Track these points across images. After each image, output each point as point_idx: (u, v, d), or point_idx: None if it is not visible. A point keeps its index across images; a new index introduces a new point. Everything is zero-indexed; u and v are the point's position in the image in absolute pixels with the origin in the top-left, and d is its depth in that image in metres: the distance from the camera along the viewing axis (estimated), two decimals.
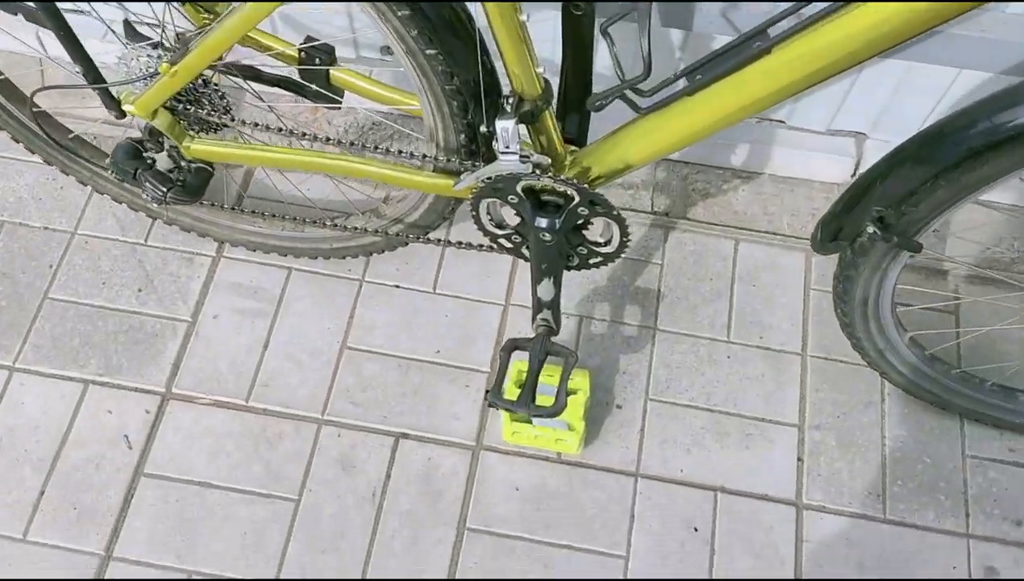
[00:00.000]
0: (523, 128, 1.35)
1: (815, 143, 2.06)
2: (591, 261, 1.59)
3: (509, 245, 1.60)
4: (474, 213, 1.52)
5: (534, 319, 1.68)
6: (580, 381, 1.76)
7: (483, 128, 1.37)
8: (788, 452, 1.82)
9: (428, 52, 1.29)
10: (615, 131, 1.42)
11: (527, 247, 1.57)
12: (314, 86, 1.57)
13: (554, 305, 1.64)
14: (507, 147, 1.35)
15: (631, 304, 1.96)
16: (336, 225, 1.74)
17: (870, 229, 1.32)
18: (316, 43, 1.54)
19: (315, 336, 1.89)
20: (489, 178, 1.42)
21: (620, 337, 1.92)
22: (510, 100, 1.34)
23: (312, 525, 1.71)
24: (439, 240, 1.72)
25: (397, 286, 1.96)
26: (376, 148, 1.46)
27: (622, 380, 1.88)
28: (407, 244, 1.79)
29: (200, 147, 1.48)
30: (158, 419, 1.79)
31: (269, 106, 1.76)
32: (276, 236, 1.88)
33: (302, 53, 1.53)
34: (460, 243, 1.70)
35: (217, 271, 1.95)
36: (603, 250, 1.55)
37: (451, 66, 1.31)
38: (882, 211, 1.29)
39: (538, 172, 1.38)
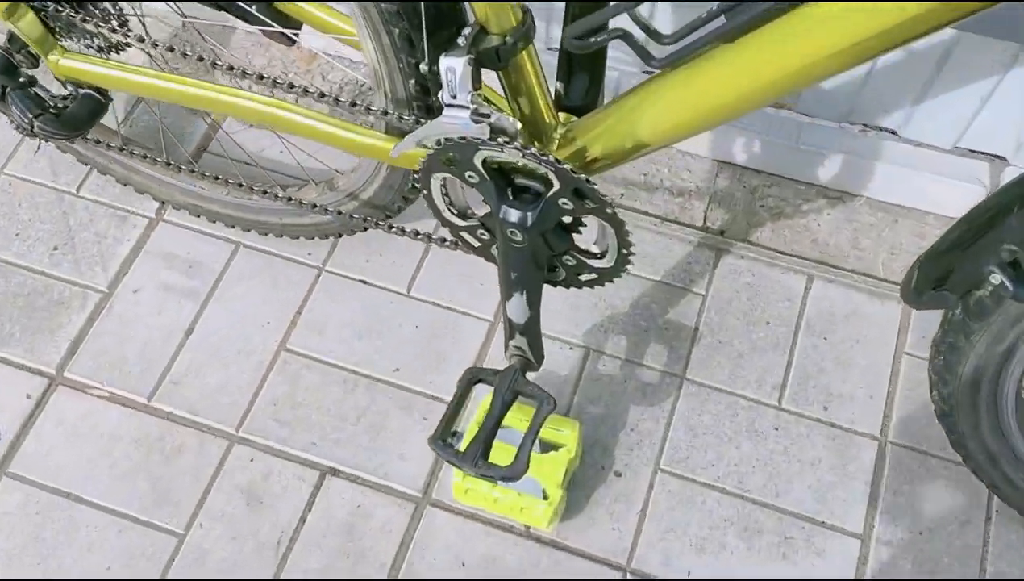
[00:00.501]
0: (491, 83, 0.92)
1: (935, 164, 1.56)
2: (581, 277, 1.15)
3: (475, 242, 1.17)
4: (424, 193, 1.11)
5: (506, 346, 1.25)
6: (567, 434, 1.32)
7: (423, 66, 0.95)
8: (843, 570, 1.33)
9: None
10: (622, 96, 0.98)
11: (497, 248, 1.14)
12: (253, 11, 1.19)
13: (530, 330, 1.20)
14: (453, 97, 0.92)
15: (656, 341, 1.50)
16: (283, 196, 1.36)
17: (995, 278, 0.84)
18: None
19: (250, 330, 1.51)
20: (437, 144, 1.00)
21: (635, 382, 1.47)
22: (467, 31, 0.92)
23: (192, 570, 1.32)
24: (418, 233, 1.30)
25: (363, 281, 1.56)
26: (316, 93, 1.06)
27: (628, 439, 1.42)
28: (365, 229, 1.39)
29: (69, 64, 1.12)
30: (39, 407, 1.44)
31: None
32: (220, 201, 1.51)
33: None
34: (443, 241, 1.28)
35: (151, 236, 1.59)
36: (596, 264, 1.10)
37: None
38: (1016, 252, 0.80)
39: (500, 140, 0.95)
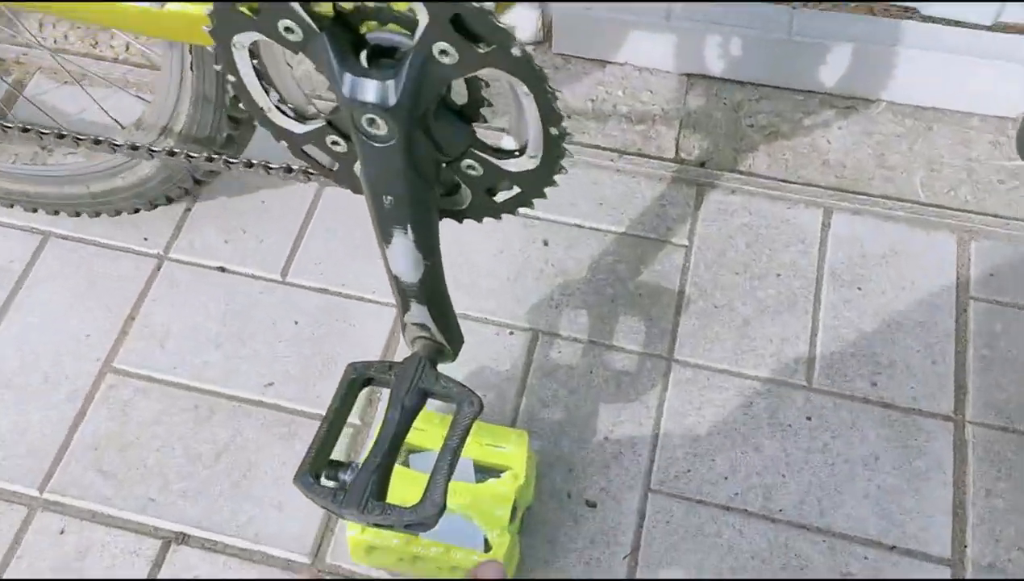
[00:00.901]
0: None
1: (973, 48, 1.17)
2: (496, 196, 0.73)
3: (328, 160, 0.76)
4: (232, 80, 0.69)
5: (403, 326, 0.83)
6: (512, 452, 0.91)
7: None
8: None
9: None
10: None
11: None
12: None
13: (432, 294, 0.78)
14: None
15: (629, 313, 1.08)
16: (74, 139, 0.93)
17: None
18: None
19: (61, 347, 1.08)
20: None
21: (604, 371, 1.05)
22: None
23: None
24: (252, 163, 0.87)
25: (222, 268, 1.13)
26: None
27: (601, 453, 1.00)
28: (197, 181, 0.97)
29: None
30: None
31: None
32: (10, 174, 1.08)
33: None
34: (289, 169, 0.86)
35: None
36: (513, 165, 0.68)
37: None
38: None
39: None
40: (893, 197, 1.15)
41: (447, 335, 0.82)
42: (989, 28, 1.19)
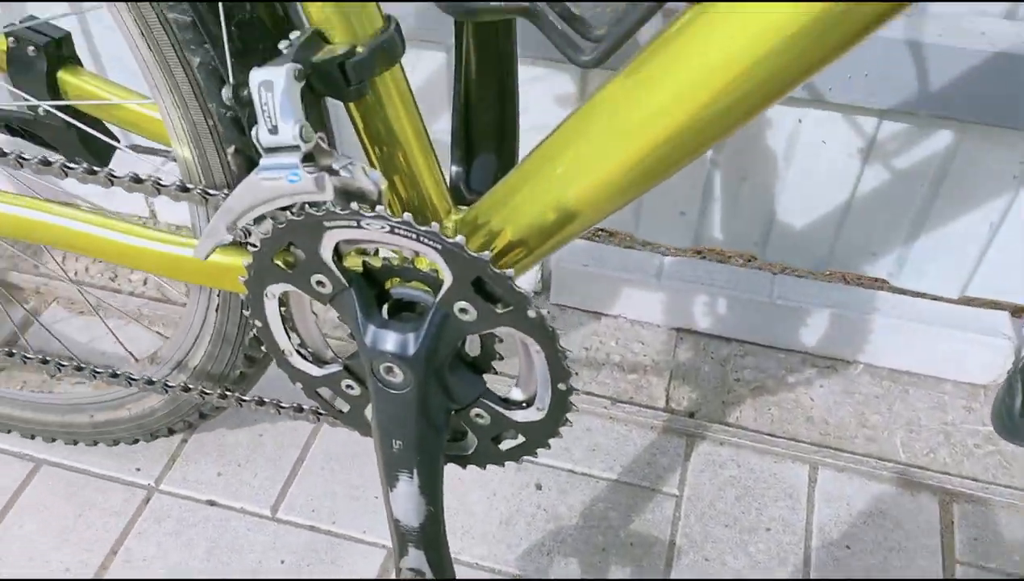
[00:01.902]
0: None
1: (942, 318, 1.25)
2: (501, 444, 0.75)
3: (342, 403, 0.79)
4: (258, 326, 0.73)
5: (396, 570, 0.82)
6: None
7: (226, 91, 0.62)
8: None
9: None
10: (533, 150, 0.66)
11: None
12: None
13: (430, 539, 0.78)
14: (273, 129, 0.59)
15: (621, 563, 1.07)
16: (92, 372, 0.96)
17: None
18: (40, 24, 0.86)
19: None
20: (249, 224, 0.65)
21: None
22: (295, 35, 0.60)
23: None
24: (263, 401, 0.90)
25: (212, 502, 1.13)
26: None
27: None
28: (203, 415, 0.99)
29: None
30: None
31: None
32: (15, 401, 1.10)
33: (11, 39, 0.85)
34: (299, 409, 0.89)
35: None
36: (521, 416, 0.72)
37: None
38: None
39: (356, 207, 0.61)
40: (876, 456, 1.18)
41: (442, 578, 0.81)
42: (955, 301, 1.28)
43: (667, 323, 1.34)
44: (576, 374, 0.68)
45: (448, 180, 0.77)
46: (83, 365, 0.91)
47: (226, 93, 0.61)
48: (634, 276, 1.30)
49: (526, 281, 1.35)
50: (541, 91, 1.18)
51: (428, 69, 1.20)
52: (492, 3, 0.55)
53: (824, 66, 0.50)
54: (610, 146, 0.60)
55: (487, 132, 0.78)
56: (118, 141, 0.89)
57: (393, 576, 0.84)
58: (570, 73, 1.16)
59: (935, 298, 1.28)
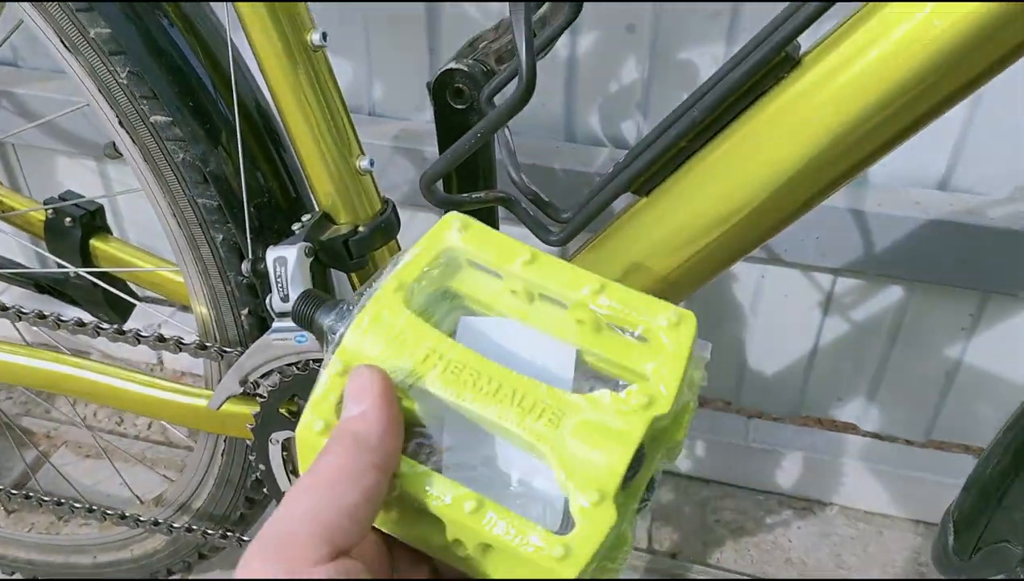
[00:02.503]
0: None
1: (911, 461, 1.32)
2: None
3: None
4: (261, 469, 0.80)
5: None
6: (660, 347, 0.43)
7: (246, 265, 0.72)
8: None
9: (155, 118, 0.69)
10: None
11: None
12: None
13: None
14: (285, 298, 0.68)
15: None
16: (102, 514, 1.01)
17: None
18: (78, 200, 0.97)
19: None
20: (258, 378, 0.73)
21: None
22: (306, 219, 0.70)
23: None
24: None
25: None
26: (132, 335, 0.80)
27: None
28: (202, 556, 1.04)
29: None
30: None
31: None
32: (20, 542, 1.15)
33: (49, 212, 0.96)
34: None
35: None
36: None
37: (199, 151, 0.70)
38: None
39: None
40: None
41: None
42: (923, 444, 1.35)
43: None
44: None
45: None
46: (93, 507, 0.97)
47: (245, 266, 0.71)
48: None
49: None
50: None
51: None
52: (474, 196, 0.65)
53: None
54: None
55: None
56: (138, 299, 0.98)
57: None
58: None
59: (904, 441, 1.35)
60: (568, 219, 0.67)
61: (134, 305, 0.98)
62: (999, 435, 0.64)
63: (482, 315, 0.44)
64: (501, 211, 0.68)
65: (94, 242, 0.96)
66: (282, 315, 0.68)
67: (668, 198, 0.60)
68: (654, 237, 0.62)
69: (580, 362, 0.42)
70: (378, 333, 0.41)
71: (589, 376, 0.42)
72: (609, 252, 0.65)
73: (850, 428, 1.37)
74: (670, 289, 0.64)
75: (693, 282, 0.64)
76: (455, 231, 0.44)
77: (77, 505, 0.96)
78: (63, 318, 0.80)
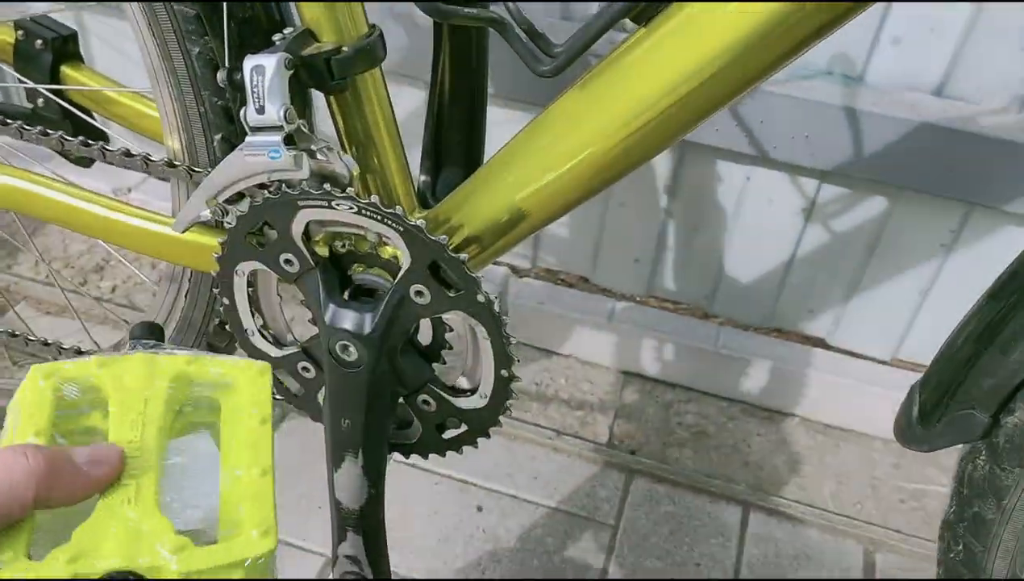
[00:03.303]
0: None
1: (875, 378, 1.32)
2: (445, 433, 0.80)
3: (295, 385, 0.83)
4: (226, 304, 0.78)
5: (333, 559, 0.85)
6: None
7: (221, 74, 0.69)
8: None
9: None
10: (496, 154, 0.72)
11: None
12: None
13: (370, 528, 0.82)
14: (260, 109, 0.65)
15: None
16: (58, 348, 0.99)
17: None
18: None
19: None
20: (229, 200, 0.70)
21: None
22: (288, 32, 0.67)
23: None
24: None
25: None
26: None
27: None
28: None
29: None
30: None
31: None
32: None
33: (20, 32, 0.91)
34: None
35: None
36: (465, 403, 0.76)
37: None
38: None
39: (328, 189, 0.67)
40: (805, 503, 1.23)
41: (377, 573, 0.84)
42: (887, 362, 1.35)
43: (616, 366, 1.39)
44: (519, 361, 0.73)
45: (416, 188, 0.84)
46: (48, 342, 0.94)
47: (221, 76, 0.67)
48: (587, 318, 1.36)
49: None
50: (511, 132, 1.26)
51: (407, 104, 1.27)
52: (466, 10, 0.62)
53: (773, 69, 0.57)
54: (554, 156, 0.67)
55: (455, 147, 0.84)
56: (108, 137, 0.95)
57: (332, 570, 0.86)
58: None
59: (869, 359, 1.35)
60: (558, 53, 0.64)
61: (103, 137, 0.95)
62: (980, 301, 0.64)
63: None
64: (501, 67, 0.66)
65: (65, 68, 0.92)
66: (256, 129, 0.65)
67: (637, 55, 0.59)
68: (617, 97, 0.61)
69: None
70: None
71: None
72: (597, 90, 0.63)
73: (819, 342, 1.38)
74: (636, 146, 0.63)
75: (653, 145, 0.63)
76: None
77: (32, 338, 0.94)
78: (26, 126, 0.77)
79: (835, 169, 1.11)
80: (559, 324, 1.38)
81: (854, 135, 1.07)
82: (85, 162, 0.94)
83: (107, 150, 0.75)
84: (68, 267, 1.47)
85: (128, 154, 0.74)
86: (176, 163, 0.74)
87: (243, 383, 0.50)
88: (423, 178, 0.85)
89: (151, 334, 0.54)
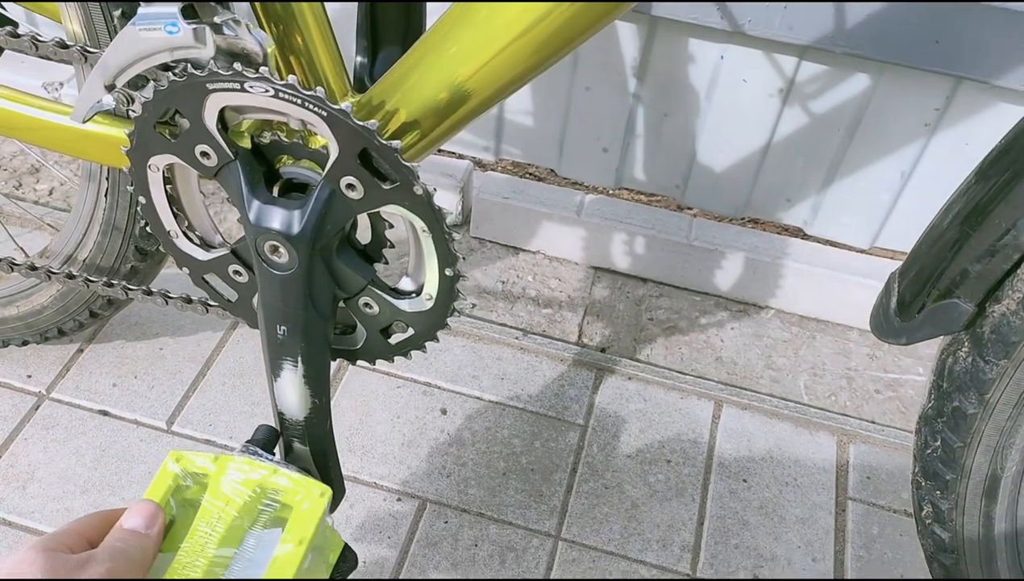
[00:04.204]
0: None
1: (853, 268, 1.27)
2: (391, 337, 0.74)
3: (229, 291, 0.76)
4: (142, 202, 0.71)
5: None
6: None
7: None
8: None
9: None
10: (433, 26, 0.64)
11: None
12: None
13: (316, 437, 0.77)
14: None
15: (521, 488, 1.07)
16: None
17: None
18: None
19: None
20: (134, 85, 0.62)
21: (490, 546, 1.02)
22: None
23: None
24: (150, 292, 0.87)
25: (104, 412, 1.10)
26: None
27: None
28: (93, 314, 0.96)
29: None
30: None
31: None
32: None
33: None
34: (188, 300, 0.86)
35: None
36: (409, 306, 0.70)
37: None
38: None
39: (240, 69, 0.58)
40: (779, 396, 1.20)
41: (327, 483, 0.80)
42: (865, 251, 1.30)
43: (585, 261, 1.34)
44: (464, 259, 0.67)
45: (353, 72, 0.75)
46: None
47: None
48: (554, 212, 1.29)
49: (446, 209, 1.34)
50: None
51: None
52: None
53: None
54: (501, 22, 0.59)
55: (393, 24, 0.76)
56: (15, 23, 0.85)
57: None
58: None
59: (847, 248, 1.30)
60: None
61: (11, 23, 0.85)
62: (966, 180, 0.58)
63: None
64: None
65: None
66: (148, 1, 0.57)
67: None
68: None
69: None
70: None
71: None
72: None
73: (796, 232, 1.32)
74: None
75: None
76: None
77: None
78: None
79: (814, 43, 1.03)
80: (525, 219, 1.31)
81: (835, 6, 0.98)
82: None
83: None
84: (0, 170, 1.38)
85: (14, 35, 0.65)
86: (68, 43, 0.66)
87: (299, 501, 0.61)
88: (359, 60, 0.77)
89: (264, 443, 0.69)
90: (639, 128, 1.25)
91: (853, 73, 1.09)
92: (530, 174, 1.38)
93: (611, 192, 1.36)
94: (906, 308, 0.60)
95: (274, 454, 0.69)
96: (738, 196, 1.29)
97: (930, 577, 0.78)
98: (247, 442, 0.69)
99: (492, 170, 1.39)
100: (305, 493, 0.62)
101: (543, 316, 1.26)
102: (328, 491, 0.62)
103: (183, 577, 0.56)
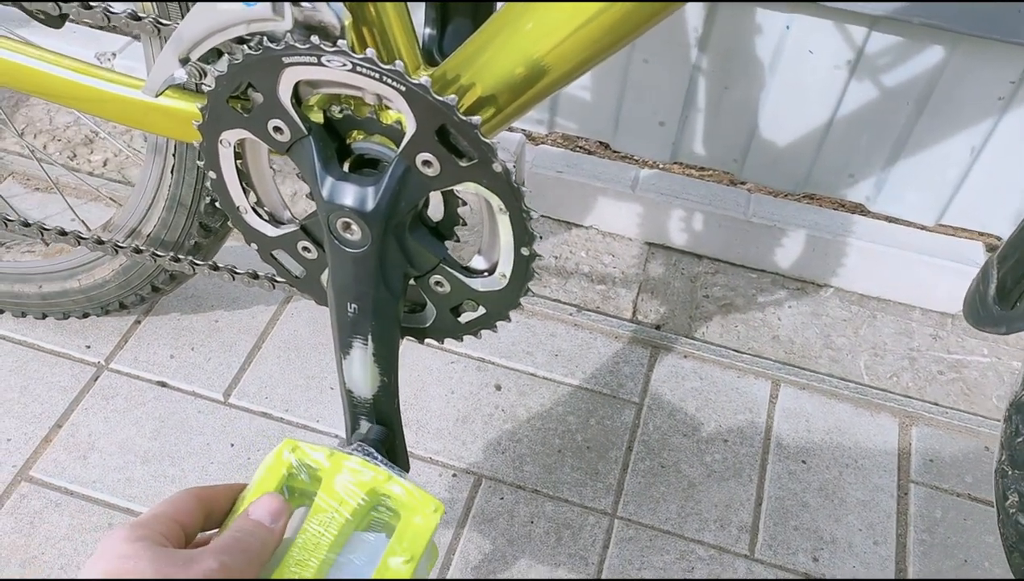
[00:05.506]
0: None
1: (917, 245, 1.24)
2: (461, 316, 0.73)
3: (298, 267, 0.76)
4: (213, 178, 0.70)
5: (348, 442, 0.80)
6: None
7: None
8: None
9: None
10: (509, 1, 0.62)
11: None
12: None
13: (385, 415, 0.77)
14: None
15: (576, 466, 1.07)
16: (39, 229, 0.91)
17: None
18: None
19: None
20: (207, 59, 0.61)
21: (546, 523, 1.01)
22: None
23: None
24: (217, 266, 0.86)
25: (163, 383, 1.10)
26: None
27: None
28: (156, 288, 0.96)
29: None
30: None
31: None
32: None
33: None
34: (255, 275, 0.86)
35: None
36: (481, 285, 0.69)
37: None
38: None
39: (317, 42, 0.57)
40: (838, 376, 1.18)
41: (393, 460, 0.79)
42: (931, 229, 1.27)
43: (640, 237, 1.31)
44: (540, 237, 0.66)
45: (421, 44, 0.74)
46: (30, 221, 0.87)
47: None
48: (608, 186, 1.27)
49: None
50: None
51: None
52: None
53: None
54: None
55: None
56: None
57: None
58: None
59: (911, 225, 1.27)
60: None
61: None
62: None
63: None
64: None
65: None
66: None
67: None
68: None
69: None
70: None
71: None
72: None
73: (858, 209, 1.29)
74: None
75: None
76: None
77: (10, 218, 0.86)
78: None
79: (890, 14, 1.00)
80: (579, 194, 1.29)
81: None
82: (55, 22, 0.84)
83: (63, 3, 0.65)
84: (55, 141, 1.38)
85: (87, 7, 0.65)
86: (141, 15, 0.65)
87: (412, 515, 0.59)
88: (428, 32, 0.75)
89: (377, 443, 0.71)
90: (699, 101, 1.22)
91: (927, 45, 1.05)
92: (580, 148, 1.36)
93: (666, 166, 1.33)
94: (1006, 295, 0.58)
95: (386, 457, 0.66)
96: (798, 171, 1.26)
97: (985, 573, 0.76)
98: (361, 440, 0.68)
99: (542, 143, 1.37)
100: (420, 507, 0.60)
101: (597, 292, 1.25)
102: (441, 507, 0.60)
103: (296, 576, 0.55)
